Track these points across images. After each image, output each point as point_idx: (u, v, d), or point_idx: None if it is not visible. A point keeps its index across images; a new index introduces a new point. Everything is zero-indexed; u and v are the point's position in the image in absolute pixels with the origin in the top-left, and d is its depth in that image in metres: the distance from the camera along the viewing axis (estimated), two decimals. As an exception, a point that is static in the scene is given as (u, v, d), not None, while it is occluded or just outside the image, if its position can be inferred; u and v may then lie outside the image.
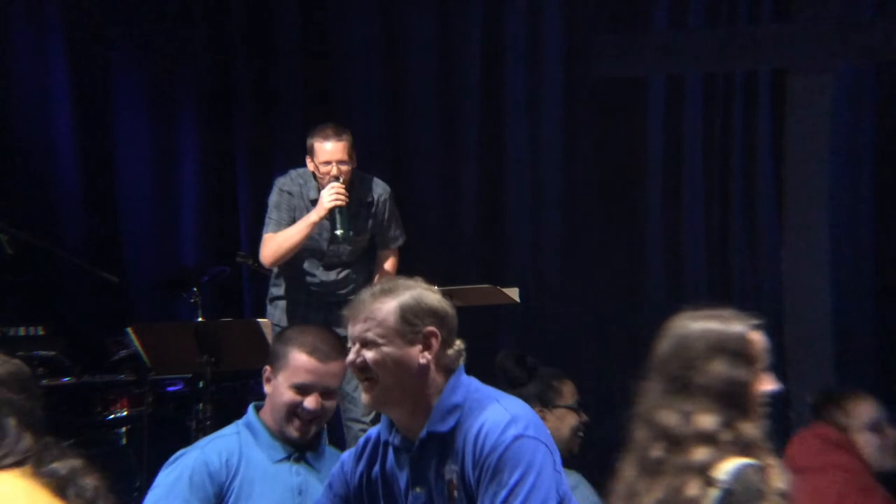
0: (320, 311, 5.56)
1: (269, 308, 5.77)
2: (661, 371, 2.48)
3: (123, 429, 6.31)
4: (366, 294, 2.85)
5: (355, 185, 5.51)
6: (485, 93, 7.18)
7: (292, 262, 5.60)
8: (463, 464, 2.69)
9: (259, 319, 5.65)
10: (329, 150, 5.39)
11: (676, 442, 2.37)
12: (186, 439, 5.92)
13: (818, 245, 6.68)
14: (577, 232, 6.95)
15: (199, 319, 5.93)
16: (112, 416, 6.28)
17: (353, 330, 2.81)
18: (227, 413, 6.18)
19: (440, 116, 7.24)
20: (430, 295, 2.84)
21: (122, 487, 6.05)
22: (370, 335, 2.78)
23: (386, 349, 2.76)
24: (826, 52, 6.64)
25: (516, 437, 2.66)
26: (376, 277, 5.62)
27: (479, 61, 7.19)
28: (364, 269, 5.68)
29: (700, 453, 2.33)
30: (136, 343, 5.55)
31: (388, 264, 5.70)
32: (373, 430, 2.93)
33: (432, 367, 2.79)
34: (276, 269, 5.69)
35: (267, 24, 7.28)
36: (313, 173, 5.52)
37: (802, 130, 6.69)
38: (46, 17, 7.13)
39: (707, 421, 2.37)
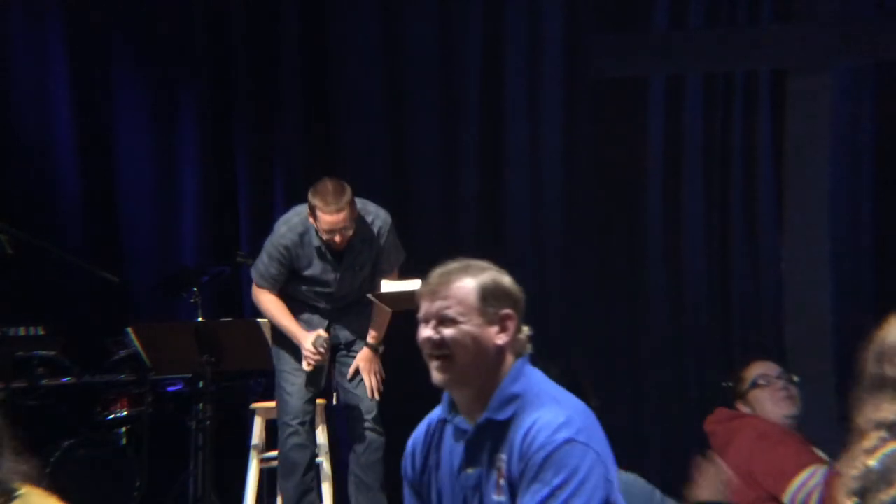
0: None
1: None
2: (865, 372, 2.57)
3: (123, 429, 6.32)
4: (442, 272, 2.84)
5: (356, 226, 5.48)
6: (485, 93, 7.18)
7: (294, 295, 5.62)
8: (511, 455, 2.69)
9: (259, 319, 5.65)
10: (330, 221, 5.34)
11: (860, 432, 2.45)
12: (186, 439, 5.94)
13: (818, 245, 6.67)
14: (577, 232, 6.95)
15: (199, 319, 5.94)
16: (112, 416, 6.29)
17: (431, 307, 2.80)
18: (227, 413, 6.20)
19: (440, 117, 7.24)
20: (505, 278, 2.86)
21: (122, 487, 6.07)
22: (450, 312, 2.77)
23: (466, 327, 2.76)
24: (826, 52, 6.64)
25: (567, 440, 2.64)
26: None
27: (479, 61, 7.19)
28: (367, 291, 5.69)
29: (871, 439, 2.43)
30: (136, 343, 5.56)
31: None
32: (434, 413, 2.92)
33: (507, 350, 2.79)
34: None
35: (267, 24, 7.28)
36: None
37: (802, 130, 6.69)
38: (46, 17, 7.14)
39: (890, 410, 2.46)
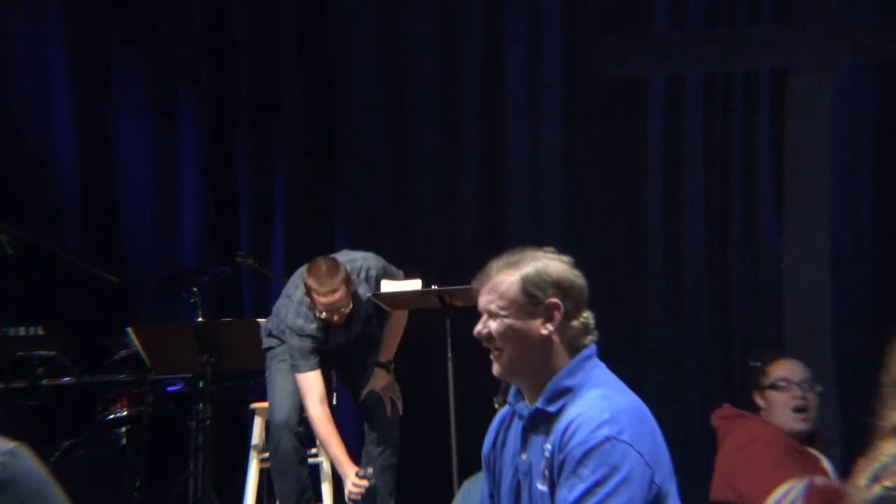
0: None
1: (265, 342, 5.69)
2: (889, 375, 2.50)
3: (123, 429, 6.31)
4: (492, 266, 2.86)
5: (355, 303, 5.46)
6: (485, 93, 7.18)
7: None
8: (553, 447, 2.69)
9: (259, 319, 5.65)
10: (327, 303, 5.30)
11: (882, 436, 2.42)
12: (186, 439, 5.93)
13: (818, 245, 6.67)
14: (577, 232, 6.95)
15: (199, 319, 5.94)
16: (112, 416, 6.29)
17: (480, 301, 2.85)
18: (227, 413, 6.20)
19: (440, 117, 7.24)
20: (555, 265, 2.86)
21: (122, 487, 6.07)
22: (493, 307, 2.81)
23: (507, 321, 2.78)
24: (826, 52, 6.64)
25: (607, 438, 2.62)
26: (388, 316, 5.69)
27: (479, 61, 7.19)
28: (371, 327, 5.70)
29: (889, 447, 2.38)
30: (136, 343, 5.57)
31: (399, 321, 5.73)
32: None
33: (556, 339, 2.80)
34: (268, 328, 5.63)
35: (267, 23, 7.28)
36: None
37: (802, 130, 6.69)
38: (46, 17, 7.14)
39: None
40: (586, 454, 2.60)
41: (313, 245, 7.19)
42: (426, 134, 7.23)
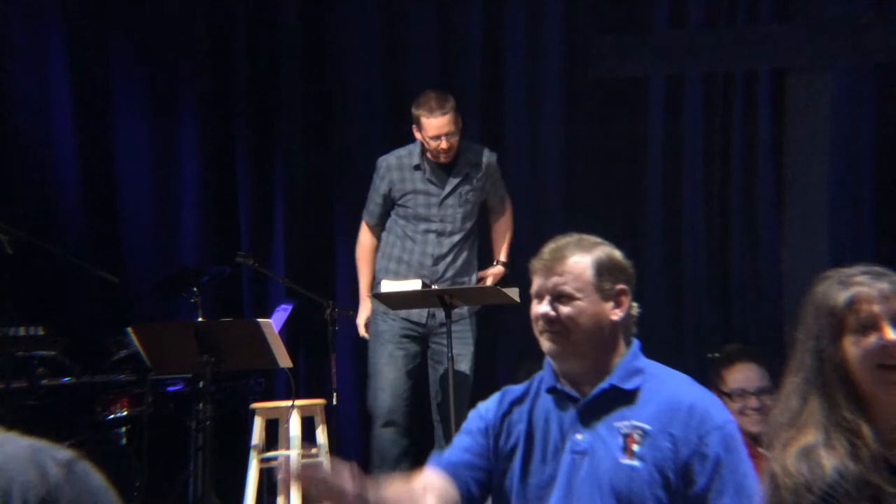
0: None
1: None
2: None
3: (123, 429, 6.31)
4: (555, 247, 2.87)
5: (462, 151, 5.84)
6: (485, 93, 7.18)
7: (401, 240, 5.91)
8: (657, 426, 2.68)
9: (259, 319, 5.65)
10: (436, 126, 5.66)
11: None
12: (186, 439, 5.93)
13: (818, 245, 6.67)
14: (577, 231, 6.94)
15: (199, 319, 5.94)
16: (112, 416, 6.28)
17: (546, 283, 2.82)
18: (227, 413, 6.20)
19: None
20: (617, 252, 2.88)
21: (122, 487, 6.07)
22: (567, 289, 2.79)
23: (581, 304, 2.78)
24: (826, 52, 6.64)
25: (730, 422, 2.71)
26: (494, 225, 6.18)
27: (479, 61, 7.19)
28: (469, 250, 5.94)
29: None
30: (136, 343, 5.56)
31: (505, 214, 6.18)
32: (535, 378, 2.91)
33: (620, 325, 2.82)
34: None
35: (267, 23, 7.28)
36: (421, 142, 5.80)
37: (802, 130, 6.69)
38: (46, 18, 7.13)
39: None
40: (726, 444, 2.65)
41: (313, 245, 7.20)
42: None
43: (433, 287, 5.66)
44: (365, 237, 6.09)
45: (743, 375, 4.14)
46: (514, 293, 5.64)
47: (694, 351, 6.93)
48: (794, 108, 6.71)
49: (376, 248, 6.04)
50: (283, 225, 7.23)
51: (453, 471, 2.81)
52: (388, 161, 5.96)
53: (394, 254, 5.92)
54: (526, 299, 2.94)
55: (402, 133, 7.25)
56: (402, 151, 5.93)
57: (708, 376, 4.23)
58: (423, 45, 7.22)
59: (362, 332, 5.96)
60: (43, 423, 6.12)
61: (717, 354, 4.20)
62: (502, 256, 6.14)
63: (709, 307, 6.99)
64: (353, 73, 7.23)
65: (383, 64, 7.25)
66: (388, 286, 5.65)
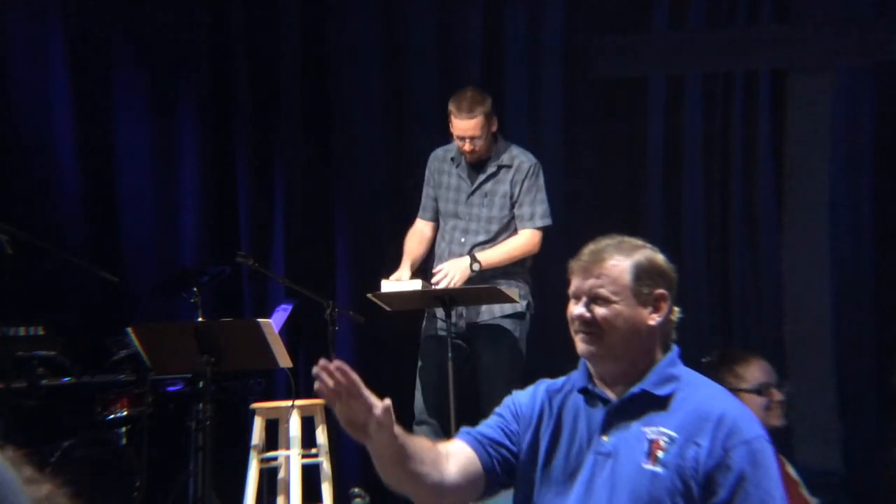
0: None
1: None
2: None
3: (123, 429, 6.30)
4: (594, 248, 2.83)
5: (499, 152, 5.74)
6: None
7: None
8: (684, 434, 2.65)
9: (259, 319, 5.65)
10: (461, 127, 5.62)
11: None
12: (186, 439, 5.93)
13: (818, 245, 6.67)
14: (577, 232, 6.94)
15: (199, 319, 5.94)
16: (112, 416, 6.28)
17: (583, 284, 2.80)
18: (227, 413, 6.20)
19: (440, 118, 7.23)
20: (659, 256, 2.82)
21: (122, 487, 6.06)
22: (603, 291, 2.76)
23: (618, 307, 2.74)
24: (826, 52, 6.64)
25: (760, 437, 2.66)
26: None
27: (479, 62, 7.19)
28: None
29: None
30: (136, 343, 5.56)
31: (523, 237, 5.81)
32: (572, 375, 2.89)
33: (657, 330, 2.77)
34: None
35: (267, 24, 7.28)
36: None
37: (802, 130, 6.69)
38: (47, 18, 7.13)
39: None
40: (754, 458, 2.61)
41: (313, 245, 7.20)
42: (426, 134, 7.22)
43: (432, 286, 5.65)
44: (414, 226, 6.06)
45: (761, 370, 4.13)
46: (514, 293, 5.64)
47: (693, 351, 6.92)
48: (794, 108, 6.71)
49: (427, 238, 5.99)
50: (283, 225, 7.23)
51: (480, 445, 2.79)
52: (436, 152, 5.99)
53: (435, 252, 5.95)
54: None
55: (401, 133, 7.27)
56: (450, 145, 5.89)
57: (712, 378, 4.22)
58: (424, 46, 7.22)
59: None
60: (43, 423, 6.12)
61: (709, 359, 4.18)
62: (479, 254, 5.74)
63: (708, 307, 6.98)
64: (353, 74, 7.23)
65: (383, 64, 7.25)
66: (387, 286, 5.65)
